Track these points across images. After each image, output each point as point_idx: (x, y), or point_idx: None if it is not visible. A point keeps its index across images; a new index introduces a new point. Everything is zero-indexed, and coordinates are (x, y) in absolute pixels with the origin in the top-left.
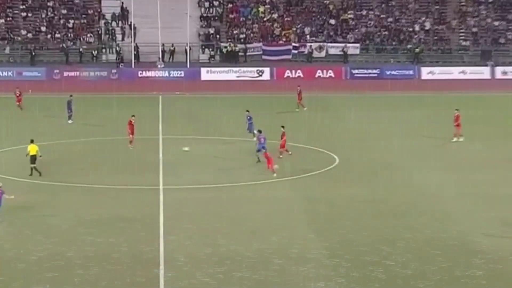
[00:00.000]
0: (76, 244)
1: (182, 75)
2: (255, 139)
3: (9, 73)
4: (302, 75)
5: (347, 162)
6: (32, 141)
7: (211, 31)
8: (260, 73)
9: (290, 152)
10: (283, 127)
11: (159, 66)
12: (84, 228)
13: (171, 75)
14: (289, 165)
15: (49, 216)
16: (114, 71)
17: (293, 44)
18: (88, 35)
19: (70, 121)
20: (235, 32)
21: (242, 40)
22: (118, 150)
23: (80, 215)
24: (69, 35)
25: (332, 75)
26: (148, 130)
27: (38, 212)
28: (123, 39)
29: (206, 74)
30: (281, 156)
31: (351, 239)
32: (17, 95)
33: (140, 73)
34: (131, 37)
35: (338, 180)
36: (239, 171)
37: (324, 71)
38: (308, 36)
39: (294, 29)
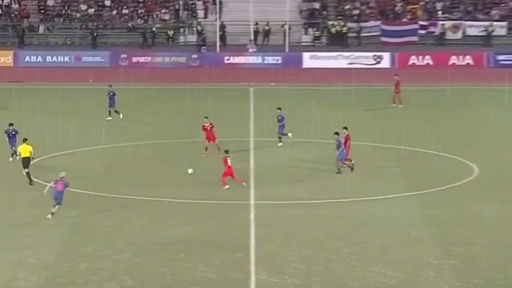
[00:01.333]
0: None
1: (279, 61)
2: (279, 144)
3: (66, 59)
4: (431, 62)
5: (488, 174)
6: (24, 140)
7: (316, 6)
8: (378, 60)
9: (352, 161)
10: (346, 128)
11: (250, 50)
12: (162, 251)
13: (265, 61)
14: (409, 176)
15: (119, 237)
16: (194, 56)
17: (421, 22)
18: (163, 11)
19: (109, 118)
20: (346, 7)
21: (355, 17)
22: (198, 155)
23: (157, 234)
24: (139, 11)
25: (471, 62)
26: (236, 130)
27: (101, 230)
28: (206, 17)
29: (309, 60)
30: (345, 164)
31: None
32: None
33: (227, 59)
34: (216, 14)
35: (476, 197)
36: (343, 183)
37: (460, 57)
38: (439, 13)
39: (422, 3)
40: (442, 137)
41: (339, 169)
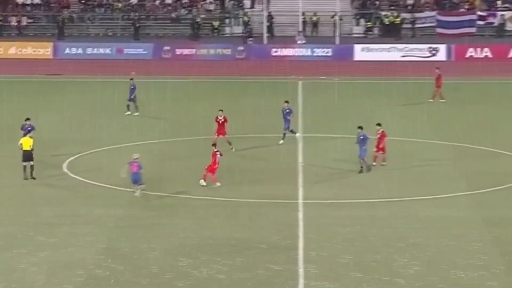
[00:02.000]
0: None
1: (329, 53)
2: (281, 142)
3: (107, 50)
4: (490, 55)
5: None
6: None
7: None
8: (434, 52)
9: (385, 163)
10: (379, 125)
11: (299, 42)
12: (208, 252)
13: (315, 53)
14: (466, 175)
15: (165, 236)
16: (240, 48)
17: (479, 13)
18: (208, 1)
19: (128, 112)
20: None
21: (409, 7)
22: (244, 152)
23: (202, 235)
24: (183, 1)
25: None
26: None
27: (150, 230)
28: (252, 7)
29: (361, 52)
30: (374, 164)
31: None
32: None
33: (274, 51)
34: (263, 4)
35: None
36: (394, 181)
37: None
38: (499, 3)
39: None
40: (500, 133)
41: (362, 167)
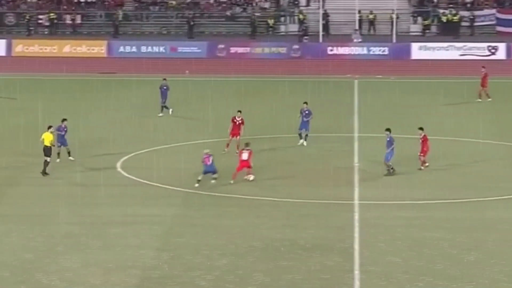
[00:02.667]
0: (245, 273)
1: (386, 52)
2: (302, 142)
3: (161, 49)
4: None
5: None
6: (49, 128)
7: None
8: (493, 50)
9: (427, 164)
10: (421, 129)
11: (355, 40)
12: (255, 255)
13: (371, 52)
14: None
15: (215, 236)
16: (296, 46)
17: None
18: None
19: (161, 114)
20: None
21: (468, 5)
22: (301, 150)
23: (256, 235)
24: None
25: None
26: (339, 125)
27: (196, 228)
28: (308, 5)
29: (418, 51)
30: (422, 168)
31: None
32: None
33: (330, 50)
34: (319, 1)
35: None
36: (450, 182)
37: None
38: None
39: None
40: None
41: (388, 170)
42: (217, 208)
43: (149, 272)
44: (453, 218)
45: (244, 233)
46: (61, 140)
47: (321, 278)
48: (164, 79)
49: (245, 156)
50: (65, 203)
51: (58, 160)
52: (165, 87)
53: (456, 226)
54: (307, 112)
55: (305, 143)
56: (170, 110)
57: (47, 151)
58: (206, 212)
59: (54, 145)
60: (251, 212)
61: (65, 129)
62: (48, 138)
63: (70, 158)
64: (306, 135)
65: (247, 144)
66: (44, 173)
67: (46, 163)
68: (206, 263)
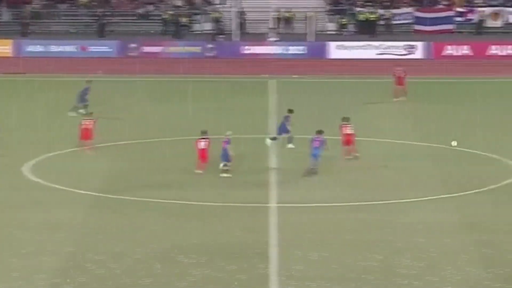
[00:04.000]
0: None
1: (303, 51)
2: (289, 146)
3: (71, 48)
4: (469, 52)
5: None
6: None
7: None
8: (411, 50)
9: (357, 154)
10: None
11: (271, 39)
12: (182, 258)
13: (288, 51)
14: (444, 177)
15: (128, 240)
16: (210, 45)
17: (458, 9)
18: None
19: (73, 113)
20: None
21: (385, 4)
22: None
23: (174, 241)
24: None
25: None
26: (252, 127)
27: (109, 235)
28: (223, 3)
29: (336, 50)
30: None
31: None
32: None
33: (247, 49)
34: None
35: None
36: (375, 184)
37: (499, 47)
38: None
39: None
40: (480, 134)
41: (310, 171)
42: (125, 212)
43: (54, 281)
44: (374, 219)
45: (149, 238)
46: None
47: (236, 284)
48: (89, 80)
49: (203, 145)
50: None
51: None
52: (87, 90)
53: (376, 228)
54: (288, 121)
55: (292, 146)
56: (81, 110)
57: None
58: (112, 216)
59: None
60: (160, 216)
61: None
62: None
63: None
64: (290, 137)
65: (204, 133)
66: None
67: None
68: (106, 271)
